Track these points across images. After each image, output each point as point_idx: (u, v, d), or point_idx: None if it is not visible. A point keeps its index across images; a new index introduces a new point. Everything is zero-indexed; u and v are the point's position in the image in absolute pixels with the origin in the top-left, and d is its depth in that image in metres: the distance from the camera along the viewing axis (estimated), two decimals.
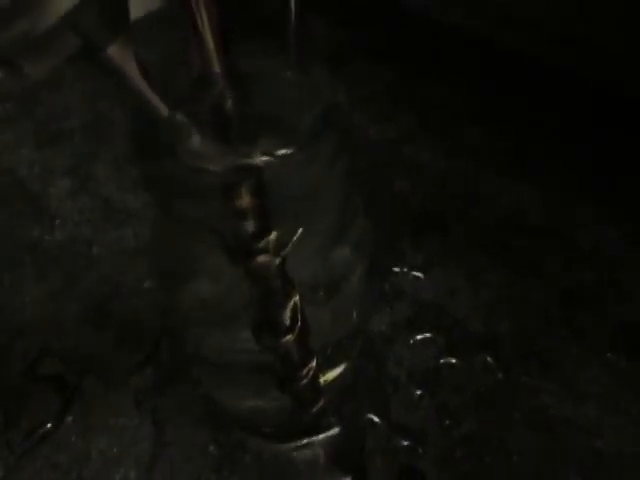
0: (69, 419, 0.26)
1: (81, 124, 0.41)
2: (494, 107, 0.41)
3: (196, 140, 0.14)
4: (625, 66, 0.38)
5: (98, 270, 0.32)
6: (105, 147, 0.40)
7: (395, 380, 0.27)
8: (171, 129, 0.13)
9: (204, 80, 0.14)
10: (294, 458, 0.25)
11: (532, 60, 0.42)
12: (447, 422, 0.25)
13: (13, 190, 0.37)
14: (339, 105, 0.17)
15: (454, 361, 0.27)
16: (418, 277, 0.31)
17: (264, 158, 0.14)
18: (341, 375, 0.25)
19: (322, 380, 0.22)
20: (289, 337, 0.17)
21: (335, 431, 0.25)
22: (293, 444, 0.25)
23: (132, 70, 0.11)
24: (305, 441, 0.25)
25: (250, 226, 0.15)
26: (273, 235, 0.15)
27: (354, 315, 0.24)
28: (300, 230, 0.15)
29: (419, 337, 0.28)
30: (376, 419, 0.26)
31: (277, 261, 0.15)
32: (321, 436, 0.25)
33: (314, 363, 0.19)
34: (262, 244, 0.15)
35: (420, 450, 0.25)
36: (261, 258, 0.15)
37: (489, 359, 0.27)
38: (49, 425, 0.26)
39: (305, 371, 0.19)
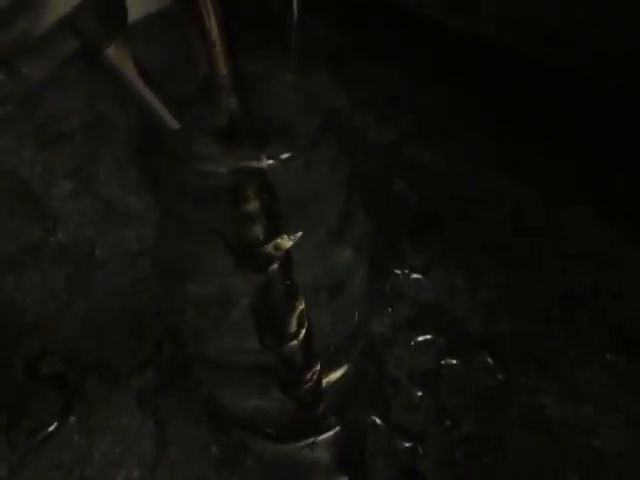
0: (72, 419, 0.26)
1: (82, 125, 0.41)
2: (494, 107, 0.41)
3: (200, 143, 0.14)
4: (625, 66, 0.38)
5: (100, 271, 0.32)
6: (106, 148, 0.40)
7: (395, 381, 0.27)
8: (174, 131, 0.13)
9: (209, 82, 0.14)
10: (295, 459, 0.25)
11: (532, 60, 0.42)
12: (447, 423, 0.26)
13: (15, 192, 0.37)
14: (342, 109, 0.17)
15: (454, 362, 0.28)
16: (418, 278, 0.31)
17: (268, 162, 0.14)
18: (342, 376, 0.25)
19: (324, 382, 0.22)
20: (294, 343, 0.17)
21: (336, 432, 0.25)
22: (294, 445, 0.25)
23: (131, 72, 0.11)
24: (306, 442, 0.25)
25: (257, 230, 0.14)
26: (279, 238, 0.15)
27: (356, 317, 0.24)
28: (301, 233, 0.15)
29: (419, 338, 0.29)
30: (377, 420, 0.26)
31: (283, 264, 0.15)
32: (322, 437, 0.25)
33: (318, 367, 0.19)
34: (268, 247, 0.14)
35: (420, 451, 0.25)
36: (267, 261, 0.15)
37: (489, 359, 0.28)
38: (52, 425, 0.26)
39: (309, 375, 0.19)
